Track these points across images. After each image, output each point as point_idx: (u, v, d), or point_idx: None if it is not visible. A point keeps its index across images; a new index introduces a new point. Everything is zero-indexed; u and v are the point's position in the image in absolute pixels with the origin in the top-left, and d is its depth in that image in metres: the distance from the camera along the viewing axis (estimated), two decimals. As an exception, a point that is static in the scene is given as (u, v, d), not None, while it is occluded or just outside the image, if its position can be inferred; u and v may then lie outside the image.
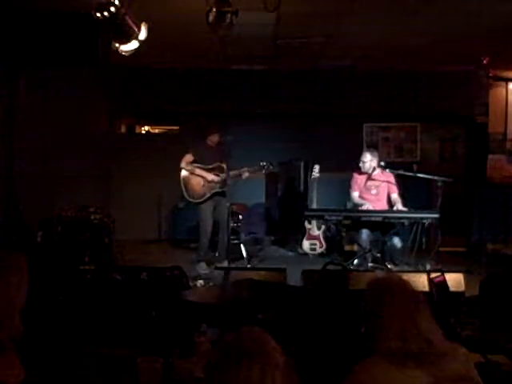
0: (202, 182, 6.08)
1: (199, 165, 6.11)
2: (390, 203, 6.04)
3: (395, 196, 6.02)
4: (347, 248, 6.85)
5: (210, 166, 6.09)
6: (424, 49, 6.41)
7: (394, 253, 5.89)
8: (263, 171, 6.24)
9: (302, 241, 7.05)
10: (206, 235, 6.12)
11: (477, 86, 7.84)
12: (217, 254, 6.30)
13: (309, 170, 7.28)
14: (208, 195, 6.07)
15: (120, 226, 6.37)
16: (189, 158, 6.12)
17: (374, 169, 6.01)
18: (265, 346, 1.44)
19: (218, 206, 6.10)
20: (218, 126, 6.36)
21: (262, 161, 6.15)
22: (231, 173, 5.94)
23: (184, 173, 6.13)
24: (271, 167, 6.18)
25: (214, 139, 6.17)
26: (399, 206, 5.91)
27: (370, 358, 1.77)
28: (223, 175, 5.99)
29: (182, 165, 6.11)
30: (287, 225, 7.83)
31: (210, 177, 6.06)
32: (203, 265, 6.05)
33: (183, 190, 6.12)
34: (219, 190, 6.05)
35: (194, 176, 6.09)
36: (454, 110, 8.01)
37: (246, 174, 6.08)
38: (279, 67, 7.68)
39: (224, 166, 6.00)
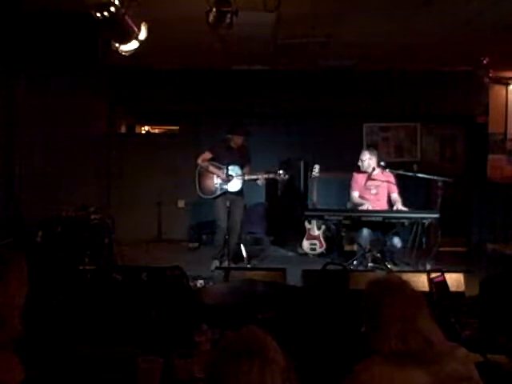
0: (215, 180, 6.22)
1: (215, 163, 6.23)
2: (390, 203, 6.04)
3: (395, 195, 6.02)
4: (347, 248, 6.85)
5: (223, 166, 6.14)
6: (424, 49, 6.41)
7: (393, 253, 5.89)
8: (278, 178, 6.24)
9: (302, 241, 7.05)
10: (222, 231, 6.16)
11: (477, 86, 7.84)
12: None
13: (309, 169, 7.28)
14: (218, 193, 6.18)
15: (120, 226, 6.37)
16: (206, 155, 6.28)
17: (374, 169, 6.01)
18: (265, 346, 1.44)
19: (233, 208, 6.12)
20: (245, 129, 6.35)
21: (277, 168, 6.26)
22: (247, 177, 6.09)
23: (198, 169, 6.30)
24: (286, 176, 6.18)
25: (238, 141, 6.22)
26: (399, 206, 5.90)
27: (370, 357, 1.77)
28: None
29: (198, 161, 6.29)
30: (287, 225, 7.83)
31: (220, 175, 6.14)
32: (216, 263, 6.09)
33: (197, 185, 6.29)
34: (229, 190, 6.11)
35: (207, 173, 6.25)
36: (454, 109, 8.00)
37: (262, 181, 6.17)
38: (279, 67, 7.67)
39: (238, 167, 6.11)
